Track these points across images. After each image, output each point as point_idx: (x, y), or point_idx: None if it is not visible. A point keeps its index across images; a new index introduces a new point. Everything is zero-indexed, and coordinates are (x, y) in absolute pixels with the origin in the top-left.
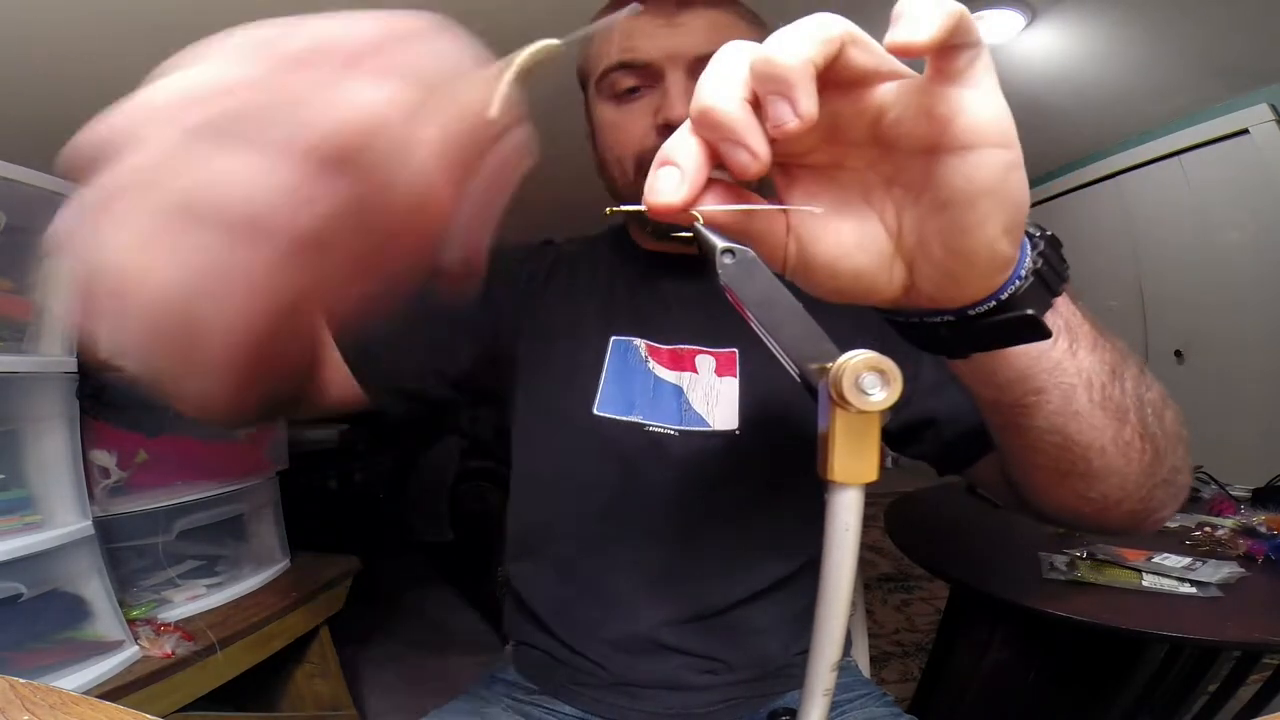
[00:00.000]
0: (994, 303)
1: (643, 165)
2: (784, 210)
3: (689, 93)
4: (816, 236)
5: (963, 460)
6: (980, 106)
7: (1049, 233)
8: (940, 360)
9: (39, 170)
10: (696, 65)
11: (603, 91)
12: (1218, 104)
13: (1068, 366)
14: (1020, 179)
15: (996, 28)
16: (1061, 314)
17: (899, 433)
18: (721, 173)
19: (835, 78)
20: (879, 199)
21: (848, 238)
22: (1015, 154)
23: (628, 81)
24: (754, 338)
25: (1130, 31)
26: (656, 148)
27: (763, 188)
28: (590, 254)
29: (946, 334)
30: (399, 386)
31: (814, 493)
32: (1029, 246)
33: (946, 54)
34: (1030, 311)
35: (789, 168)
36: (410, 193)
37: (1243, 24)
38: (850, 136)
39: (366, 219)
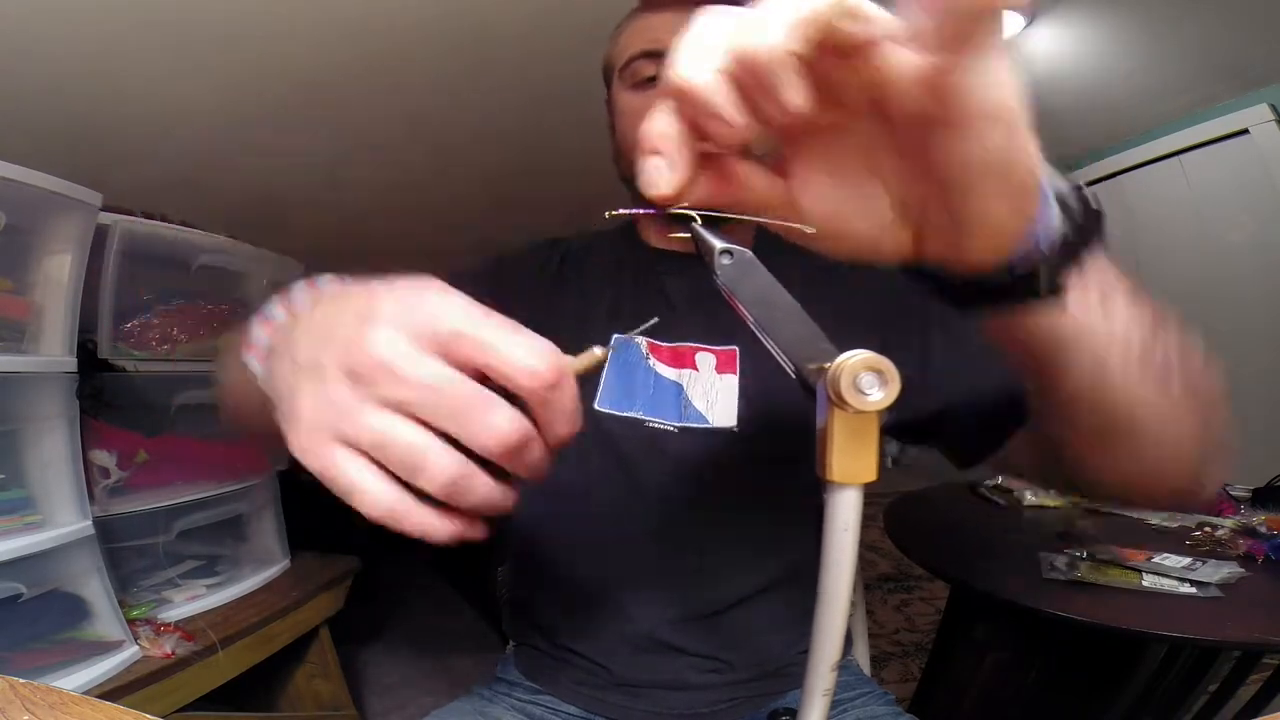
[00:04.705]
0: (1006, 267)
1: None
2: (780, 179)
3: None
4: (812, 206)
5: (987, 445)
6: (978, 76)
7: (1083, 191)
8: (952, 347)
9: (39, 170)
10: None
11: (625, 80)
12: (1218, 104)
13: (1099, 327)
14: (1024, 150)
15: None
16: (1091, 276)
17: (915, 425)
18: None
19: (828, 47)
20: (886, 167)
21: (846, 206)
22: (1017, 125)
23: (649, 69)
24: (755, 335)
25: (1130, 31)
26: None
27: (765, 153)
28: (598, 249)
29: (955, 292)
30: None
31: (814, 490)
32: (1054, 211)
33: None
34: (1038, 276)
35: (792, 132)
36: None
37: (1243, 24)
38: (850, 105)
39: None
